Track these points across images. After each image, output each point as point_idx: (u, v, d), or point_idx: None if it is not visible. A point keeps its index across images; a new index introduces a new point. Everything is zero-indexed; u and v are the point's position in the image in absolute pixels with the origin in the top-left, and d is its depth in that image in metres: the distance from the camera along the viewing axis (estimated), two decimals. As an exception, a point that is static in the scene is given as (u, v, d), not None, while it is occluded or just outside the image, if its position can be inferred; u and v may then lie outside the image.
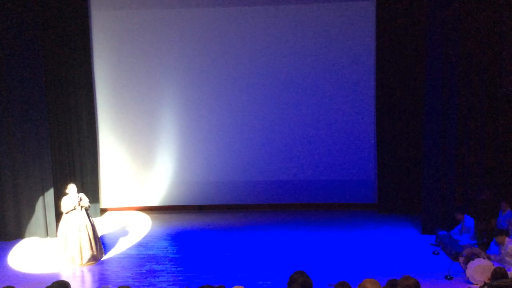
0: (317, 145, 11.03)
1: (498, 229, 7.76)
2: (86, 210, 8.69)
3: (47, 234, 9.96)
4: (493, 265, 7.16)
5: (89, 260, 8.58)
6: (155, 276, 8.15)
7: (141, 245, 9.57)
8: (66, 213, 8.58)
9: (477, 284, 7.12)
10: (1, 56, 9.46)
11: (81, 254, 8.52)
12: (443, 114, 9.19)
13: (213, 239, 9.73)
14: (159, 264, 8.63)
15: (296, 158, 11.11)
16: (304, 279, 4.04)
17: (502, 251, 7.56)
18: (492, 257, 7.68)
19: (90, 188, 10.91)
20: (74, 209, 8.53)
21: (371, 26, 10.58)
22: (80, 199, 8.57)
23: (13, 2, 9.35)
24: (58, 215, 9.33)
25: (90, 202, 8.93)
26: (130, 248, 9.40)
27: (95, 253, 8.65)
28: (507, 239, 7.59)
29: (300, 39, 10.76)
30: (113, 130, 11.26)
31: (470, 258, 7.66)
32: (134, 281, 7.93)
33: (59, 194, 9.83)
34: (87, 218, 8.63)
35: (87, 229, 8.56)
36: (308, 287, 4.03)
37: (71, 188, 8.64)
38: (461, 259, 7.87)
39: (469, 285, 7.33)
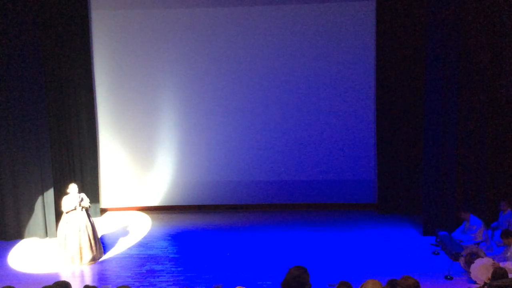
0: (317, 145, 11.04)
1: (506, 231, 7.70)
2: (87, 210, 8.69)
3: (46, 235, 9.95)
4: (496, 262, 7.16)
5: (88, 261, 8.58)
6: (155, 276, 8.15)
7: (141, 245, 9.57)
8: (67, 212, 8.58)
9: (478, 284, 7.11)
10: (1, 56, 9.46)
11: (80, 254, 8.52)
12: (443, 114, 9.19)
13: (213, 239, 9.73)
14: (159, 264, 8.63)
15: (296, 158, 11.11)
16: (299, 273, 4.01)
17: (508, 253, 7.53)
18: (496, 258, 7.65)
19: (90, 188, 10.91)
20: (75, 209, 8.53)
21: (371, 26, 10.58)
22: (81, 199, 8.57)
23: (13, 2, 9.34)
24: (58, 215, 9.33)
25: (90, 202, 8.93)
26: (130, 248, 9.40)
27: (94, 253, 8.65)
28: None
29: (300, 39, 10.76)
30: (113, 130, 11.26)
31: (470, 258, 7.66)
32: (134, 281, 7.93)
33: (59, 194, 9.84)
34: (87, 218, 8.63)
35: (87, 229, 8.56)
36: (301, 282, 3.98)
37: (72, 188, 8.63)
38: (461, 260, 7.87)
39: (469, 285, 7.32)
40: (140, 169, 11.39)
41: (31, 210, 9.85)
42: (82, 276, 8.32)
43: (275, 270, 8.15)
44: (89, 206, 8.76)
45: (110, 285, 7.75)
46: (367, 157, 10.99)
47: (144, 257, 8.95)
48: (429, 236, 9.36)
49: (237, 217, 10.98)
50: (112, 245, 9.49)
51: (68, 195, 8.64)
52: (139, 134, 11.26)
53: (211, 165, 11.26)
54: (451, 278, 7.67)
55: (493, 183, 9.29)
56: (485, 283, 6.27)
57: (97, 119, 11.16)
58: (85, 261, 8.56)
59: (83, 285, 7.82)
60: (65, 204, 8.58)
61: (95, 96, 11.08)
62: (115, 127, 11.25)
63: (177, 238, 9.88)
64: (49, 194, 9.87)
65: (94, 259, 8.65)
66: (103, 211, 11.46)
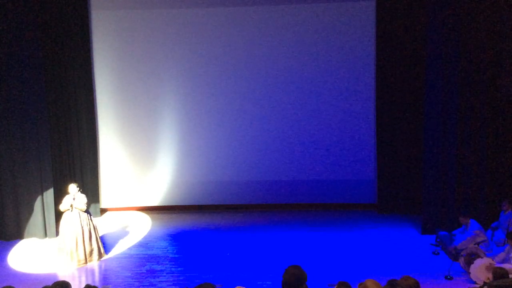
0: (317, 145, 11.03)
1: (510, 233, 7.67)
2: (85, 212, 8.62)
3: (46, 235, 9.94)
4: (495, 262, 7.15)
5: (78, 263, 8.52)
6: (155, 276, 8.15)
7: (141, 245, 9.57)
8: (63, 212, 8.58)
9: (478, 284, 7.11)
10: (1, 56, 9.46)
11: (71, 255, 8.50)
12: (443, 114, 9.19)
13: (213, 239, 9.73)
14: (159, 264, 8.63)
15: (296, 158, 11.12)
16: (298, 271, 4.04)
17: (511, 254, 7.52)
18: (496, 258, 7.65)
19: (90, 188, 10.91)
20: (69, 209, 8.51)
21: (371, 26, 10.58)
22: (74, 199, 8.53)
23: (13, 2, 9.34)
24: (58, 215, 9.32)
25: (90, 202, 8.87)
26: (130, 248, 9.40)
27: (80, 256, 8.52)
28: None
29: (300, 39, 10.77)
30: (113, 130, 11.26)
31: (470, 258, 7.65)
32: (134, 281, 7.93)
33: (59, 194, 9.84)
34: (79, 220, 8.49)
35: (76, 231, 8.45)
36: (301, 279, 4.02)
37: (71, 188, 8.62)
38: (461, 260, 7.88)
39: (469, 285, 7.33)
40: (140, 169, 11.39)
41: (30, 210, 9.84)
42: (82, 276, 8.32)
43: (275, 270, 8.15)
44: (86, 208, 8.62)
45: (110, 285, 7.76)
46: (367, 157, 10.99)
47: (144, 257, 8.95)
48: (428, 235, 9.36)
49: (237, 217, 10.98)
50: (112, 245, 9.49)
51: (69, 194, 8.64)
52: (139, 134, 11.26)
53: (211, 165, 11.26)
54: (451, 278, 7.67)
55: (493, 183, 9.29)
56: (484, 283, 6.27)
57: (97, 119, 11.16)
58: (75, 263, 8.50)
59: (83, 285, 7.84)
60: (62, 203, 8.59)
61: (95, 96, 11.08)
62: (115, 127, 11.26)
63: (177, 238, 9.89)
64: (49, 194, 9.87)
65: (81, 263, 8.53)
66: (103, 211, 11.46)
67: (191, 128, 11.19)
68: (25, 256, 9.16)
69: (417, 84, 10.12)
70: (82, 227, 8.53)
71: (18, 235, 9.88)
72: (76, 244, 8.49)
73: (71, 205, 8.49)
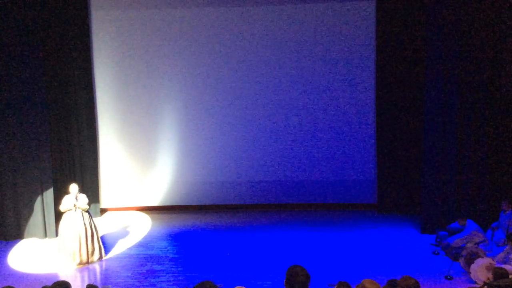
0: (317, 145, 11.04)
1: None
2: (86, 212, 8.62)
3: (45, 235, 9.94)
4: (495, 262, 7.15)
5: (79, 263, 8.51)
6: (155, 276, 8.15)
7: (141, 245, 9.57)
8: (63, 212, 8.57)
9: (478, 284, 7.11)
10: (1, 56, 9.46)
11: (73, 255, 8.49)
12: (443, 114, 9.20)
13: (213, 239, 9.73)
14: (159, 264, 8.63)
15: (296, 158, 11.12)
16: (305, 272, 4.04)
17: (511, 255, 7.51)
18: (496, 258, 7.64)
19: (90, 188, 10.91)
20: (71, 209, 8.49)
21: (371, 26, 10.59)
22: (76, 199, 8.52)
23: (13, 2, 9.34)
24: (58, 215, 9.31)
25: (90, 202, 8.86)
26: (130, 248, 9.40)
27: (83, 257, 8.50)
28: None
29: (300, 39, 10.77)
30: (113, 130, 11.27)
31: (470, 258, 7.65)
32: (134, 281, 7.93)
33: (59, 194, 9.84)
34: (83, 220, 8.49)
35: (79, 231, 8.45)
36: (308, 279, 4.03)
37: (72, 188, 8.62)
38: (461, 260, 7.87)
39: (469, 285, 7.33)
40: (140, 169, 11.40)
41: (31, 210, 9.84)
42: (82, 276, 8.32)
43: (275, 270, 8.16)
44: (88, 208, 8.64)
45: (110, 285, 7.76)
46: (367, 157, 11.00)
47: (144, 257, 8.95)
48: (428, 235, 9.37)
49: (237, 217, 10.98)
50: (112, 245, 9.49)
51: (69, 194, 8.63)
52: (139, 134, 11.26)
53: (211, 165, 11.27)
54: (451, 278, 7.67)
55: (493, 183, 9.29)
56: (485, 283, 6.27)
57: (97, 119, 11.16)
58: (77, 263, 8.50)
59: (83, 285, 7.85)
60: (63, 203, 8.57)
61: (95, 96, 11.09)
62: (115, 127, 11.26)
63: (177, 238, 9.89)
64: (49, 194, 9.87)
65: (81, 263, 8.52)
66: (103, 211, 11.46)
67: (191, 128, 11.19)
68: (25, 256, 9.16)
69: (417, 84, 10.12)
70: (85, 226, 8.52)
71: (18, 235, 9.88)
72: (79, 245, 8.48)
73: (74, 205, 8.49)
